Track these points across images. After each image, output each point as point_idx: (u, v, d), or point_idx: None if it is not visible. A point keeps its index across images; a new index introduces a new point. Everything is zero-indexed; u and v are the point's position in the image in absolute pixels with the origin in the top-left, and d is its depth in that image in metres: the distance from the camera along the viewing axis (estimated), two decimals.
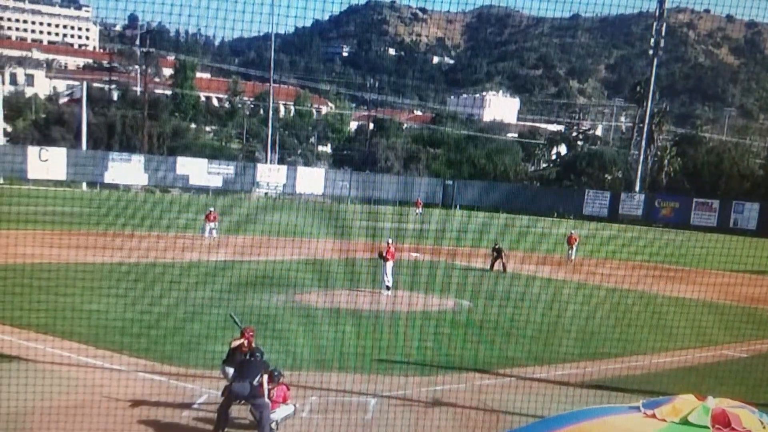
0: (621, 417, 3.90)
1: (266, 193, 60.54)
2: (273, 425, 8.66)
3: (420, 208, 53.20)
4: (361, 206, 50.49)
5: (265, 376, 8.60)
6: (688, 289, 19.15)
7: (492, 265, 23.71)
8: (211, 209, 28.85)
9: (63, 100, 77.77)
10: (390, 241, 18.93)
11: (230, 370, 8.83)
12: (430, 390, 10.62)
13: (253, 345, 9.08)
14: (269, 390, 8.60)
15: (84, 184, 54.14)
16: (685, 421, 3.69)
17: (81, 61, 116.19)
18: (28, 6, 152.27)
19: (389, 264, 18.25)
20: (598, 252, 25.59)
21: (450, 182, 68.20)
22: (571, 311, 16.57)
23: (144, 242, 20.72)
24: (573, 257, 27.94)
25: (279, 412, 8.73)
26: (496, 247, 23.82)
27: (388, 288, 18.17)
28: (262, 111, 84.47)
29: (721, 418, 3.69)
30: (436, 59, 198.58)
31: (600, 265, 25.78)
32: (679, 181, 64.77)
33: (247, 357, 8.77)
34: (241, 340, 9.10)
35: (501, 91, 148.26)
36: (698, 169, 64.09)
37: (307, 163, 75.86)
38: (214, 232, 28.31)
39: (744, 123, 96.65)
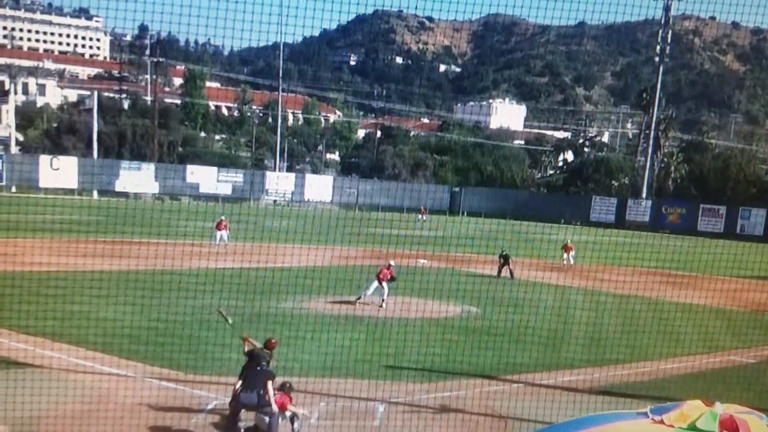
0: (629, 423, 3.97)
1: (275, 201, 60.83)
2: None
3: (424, 216, 52.90)
4: (369, 213, 50.61)
5: (269, 383, 8.64)
6: (695, 294, 19.13)
7: (499, 272, 23.72)
8: (222, 218, 29.10)
9: (77, 108, 78.55)
10: (392, 263, 18.04)
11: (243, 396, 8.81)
12: (438, 396, 10.66)
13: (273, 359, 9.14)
14: (275, 394, 8.68)
15: (95, 193, 54.66)
16: (693, 427, 3.75)
17: (92, 71, 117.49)
18: (39, 17, 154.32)
19: (384, 284, 17.40)
20: (605, 258, 25.58)
21: (457, 189, 68.24)
22: (579, 317, 16.58)
23: (154, 250, 20.92)
24: (572, 262, 27.47)
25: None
26: (503, 253, 23.82)
27: (378, 300, 17.49)
28: (270, 119, 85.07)
29: (728, 424, 3.75)
30: (442, 67, 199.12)
31: (607, 271, 25.73)
32: (686, 188, 64.54)
33: (256, 368, 8.80)
34: (253, 346, 9.25)
35: (507, 99, 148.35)
36: (705, 175, 63.85)
37: (315, 171, 76.24)
38: (226, 237, 28.45)
39: (750, 129, 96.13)
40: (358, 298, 17.32)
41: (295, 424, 8.83)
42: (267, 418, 8.55)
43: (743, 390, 10.64)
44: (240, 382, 8.81)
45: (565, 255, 27.69)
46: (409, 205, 57.16)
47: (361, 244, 27.26)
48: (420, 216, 52.24)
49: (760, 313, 19.02)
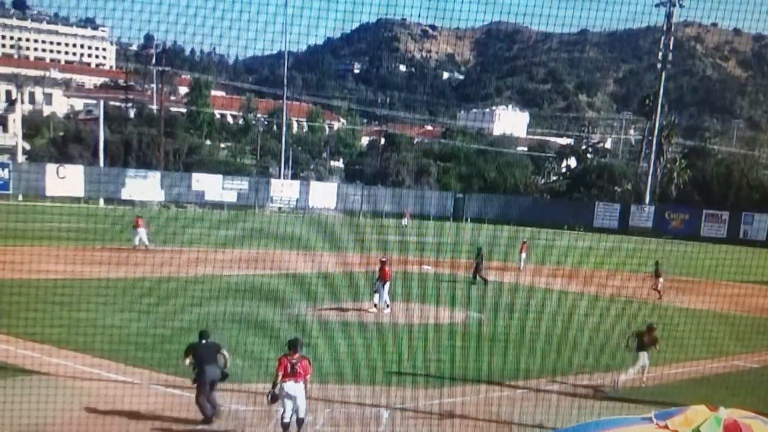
0: (633, 428, 3.99)
1: (280, 208, 61.00)
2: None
3: (406, 219, 52.38)
4: (373, 220, 50.66)
5: (222, 350, 9.47)
6: (699, 300, 19.12)
7: (484, 277, 22.83)
8: (138, 216, 29.04)
9: (83, 117, 78.99)
10: (384, 258, 18.22)
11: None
12: (442, 402, 10.68)
13: None
14: (293, 364, 8.74)
15: (101, 201, 54.90)
16: None
17: (98, 80, 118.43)
18: (45, 27, 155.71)
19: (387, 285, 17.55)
20: (609, 264, 25.56)
21: (461, 195, 68.30)
22: (583, 323, 16.59)
23: (159, 257, 21.05)
24: (522, 266, 27.12)
25: (301, 400, 8.84)
26: (481, 253, 22.96)
27: (385, 305, 17.48)
28: (275, 127, 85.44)
29: (733, 429, 3.76)
30: (446, 75, 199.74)
31: (611, 276, 25.70)
32: (689, 193, 64.38)
33: (202, 342, 9.48)
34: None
35: (510, 106, 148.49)
36: (707, 180, 63.73)
37: (319, 178, 76.40)
38: (146, 239, 27.84)
39: (752, 135, 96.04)
40: (376, 306, 17.31)
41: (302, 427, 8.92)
42: (215, 392, 9.26)
43: (747, 395, 10.63)
44: (188, 359, 9.38)
45: (522, 255, 27.19)
46: (413, 211, 57.20)
47: (365, 251, 27.30)
48: (404, 220, 51.89)
49: (764, 318, 18.97)
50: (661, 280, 22.17)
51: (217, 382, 9.40)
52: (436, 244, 34.38)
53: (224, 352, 9.51)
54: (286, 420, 8.78)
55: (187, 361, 9.44)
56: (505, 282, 23.00)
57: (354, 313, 17.09)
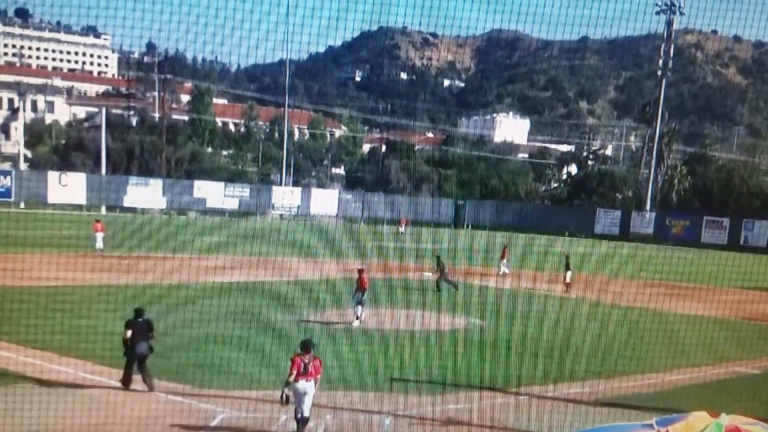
0: None
1: (281, 215, 61.05)
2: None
3: (403, 227, 51.93)
4: (374, 226, 50.66)
5: (153, 332, 10.82)
6: (700, 306, 19.11)
7: (441, 281, 22.39)
8: (97, 220, 29.26)
9: (86, 125, 79.26)
10: (363, 267, 17.72)
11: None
12: (443, 409, 10.68)
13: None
14: (306, 363, 8.90)
15: (103, 208, 54.97)
16: None
17: (100, 88, 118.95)
18: (47, 35, 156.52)
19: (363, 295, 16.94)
20: (610, 270, 25.56)
21: (462, 202, 68.34)
22: (584, 329, 16.58)
23: (161, 264, 21.09)
24: (507, 271, 27.11)
25: (307, 401, 9.00)
26: (441, 262, 22.51)
27: (355, 317, 16.87)
28: (277, 135, 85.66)
29: None
30: (447, 82, 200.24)
31: (612, 283, 25.68)
32: (690, 200, 64.39)
33: (138, 320, 10.77)
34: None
35: (511, 113, 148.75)
36: (708, 187, 63.75)
37: (320, 185, 76.48)
38: (101, 243, 27.97)
39: (753, 141, 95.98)
40: (357, 318, 16.98)
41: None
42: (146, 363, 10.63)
43: (748, 401, 10.62)
44: (129, 332, 10.64)
45: (502, 262, 27.18)
46: (414, 218, 57.25)
47: (366, 257, 27.31)
48: (400, 228, 51.75)
49: (765, 324, 18.95)
50: (569, 273, 22.63)
51: (146, 356, 10.67)
52: (437, 251, 34.41)
53: (153, 333, 10.86)
54: (299, 416, 8.98)
55: (129, 333, 10.65)
56: (502, 288, 23.00)
57: (355, 319, 17.07)
